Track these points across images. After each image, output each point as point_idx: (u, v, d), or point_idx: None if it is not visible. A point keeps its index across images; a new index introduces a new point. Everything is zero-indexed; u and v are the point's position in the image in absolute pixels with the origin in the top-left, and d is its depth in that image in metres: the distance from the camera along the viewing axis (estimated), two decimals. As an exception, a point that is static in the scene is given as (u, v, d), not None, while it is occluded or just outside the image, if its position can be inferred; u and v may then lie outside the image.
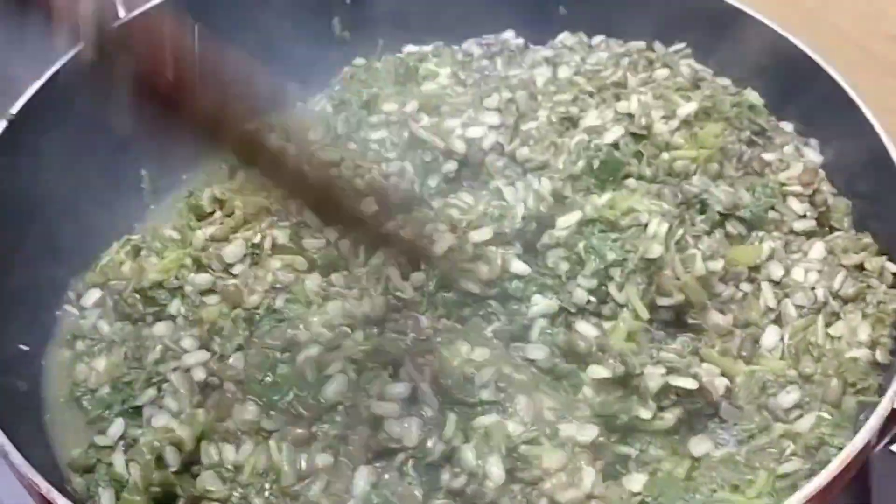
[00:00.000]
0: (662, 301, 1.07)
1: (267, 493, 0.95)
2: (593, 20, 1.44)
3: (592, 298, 1.07)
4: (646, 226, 1.09)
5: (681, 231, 1.10)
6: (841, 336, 1.09)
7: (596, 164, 1.18)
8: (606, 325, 1.06)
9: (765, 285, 1.13)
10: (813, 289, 1.12)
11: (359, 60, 1.43)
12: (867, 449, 0.96)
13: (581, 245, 1.09)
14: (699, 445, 1.01)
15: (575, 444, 0.97)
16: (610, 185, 1.18)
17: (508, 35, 1.47)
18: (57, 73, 1.18)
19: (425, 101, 1.29)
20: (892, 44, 1.33)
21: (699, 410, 1.03)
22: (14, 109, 1.16)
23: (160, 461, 0.95)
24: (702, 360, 1.06)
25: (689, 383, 0.99)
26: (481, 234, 1.11)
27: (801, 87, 1.27)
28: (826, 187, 1.23)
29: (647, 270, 1.07)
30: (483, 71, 1.40)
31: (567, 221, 1.12)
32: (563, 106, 1.27)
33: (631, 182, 1.18)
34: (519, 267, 1.10)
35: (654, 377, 0.99)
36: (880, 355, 1.08)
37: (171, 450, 0.95)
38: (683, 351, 1.05)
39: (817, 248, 1.16)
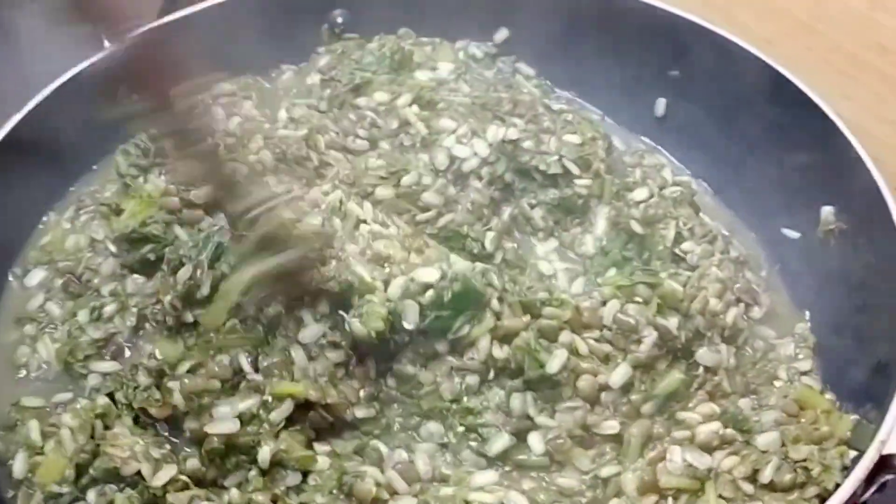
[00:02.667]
0: None
1: None
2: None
3: None
4: None
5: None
6: None
7: None
8: None
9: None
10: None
11: (351, 35, 1.33)
12: (854, 498, 0.89)
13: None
14: None
15: None
16: None
17: (502, 35, 1.36)
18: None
19: (420, 95, 1.21)
20: (885, 54, 1.25)
21: None
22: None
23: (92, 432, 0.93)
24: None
25: None
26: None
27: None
28: None
29: None
30: (496, 73, 1.31)
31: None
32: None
33: None
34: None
35: None
36: None
37: (98, 423, 0.94)
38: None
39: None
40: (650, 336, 0.99)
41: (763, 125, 1.21)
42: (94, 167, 1.24)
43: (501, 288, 1.00)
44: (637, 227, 1.13)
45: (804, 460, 0.94)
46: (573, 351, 0.98)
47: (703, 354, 1.03)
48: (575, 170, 1.17)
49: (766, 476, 0.94)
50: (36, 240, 1.16)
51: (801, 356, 1.09)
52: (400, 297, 0.96)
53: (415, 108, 1.20)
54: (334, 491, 0.90)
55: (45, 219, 1.19)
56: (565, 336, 0.99)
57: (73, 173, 1.23)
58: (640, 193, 1.17)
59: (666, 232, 1.12)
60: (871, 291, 1.06)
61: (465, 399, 0.98)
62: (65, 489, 0.90)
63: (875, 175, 1.06)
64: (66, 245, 1.14)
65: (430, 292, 0.96)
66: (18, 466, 0.93)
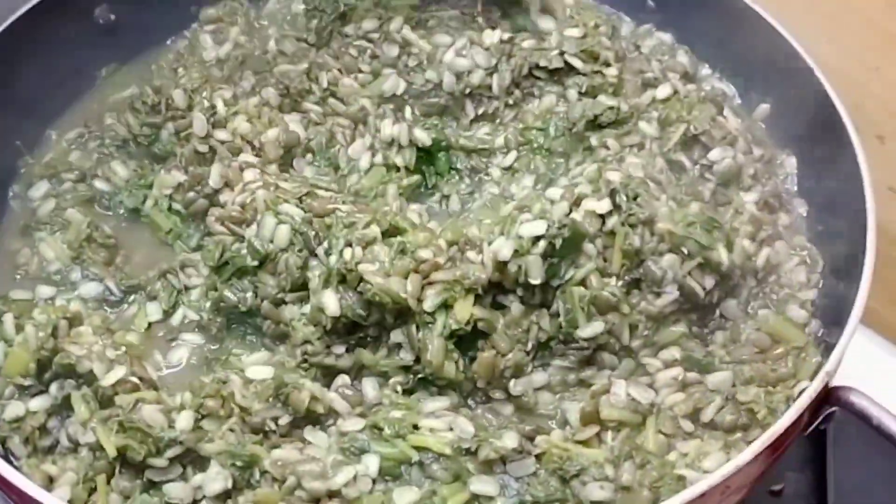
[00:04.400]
0: None
1: None
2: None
3: None
4: None
5: None
6: (686, 454, 0.90)
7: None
8: None
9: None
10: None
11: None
12: (799, 425, 0.86)
13: None
14: (481, 485, 0.86)
15: None
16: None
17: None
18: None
19: (409, 16, 1.18)
20: None
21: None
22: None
23: (54, 330, 0.94)
24: None
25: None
26: None
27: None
28: None
29: None
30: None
31: None
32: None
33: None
34: None
35: None
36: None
37: (63, 323, 0.94)
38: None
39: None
40: (671, 294, 0.94)
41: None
42: (97, 82, 1.23)
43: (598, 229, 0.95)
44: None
45: (750, 402, 0.91)
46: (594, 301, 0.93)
47: (730, 308, 0.99)
48: (579, 63, 1.13)
49: (706, 415, 0.92)
50: (38, 157, 1.16)
51: (810, 283, 1.02)
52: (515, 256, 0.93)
53: (406, 29, 1.17)
54: (271, 399, 0.91)
55: (45, 136, 1.18)
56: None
57: (74, 90, 1.22)
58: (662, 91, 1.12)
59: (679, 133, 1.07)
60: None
61: None
62: (28, 382, 0.92)
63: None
64: (70, 158, 1.14)
65: (541, 243, 0.93)
66: (-1, 357, 0.95)
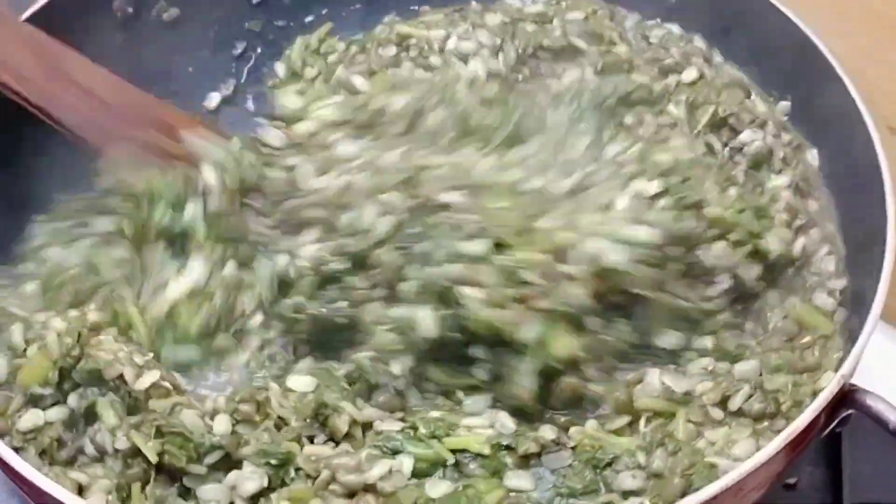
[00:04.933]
0: None
1: None
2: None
3: None
4: None
5: None
6: (715, 442, 0.89)
7: None
8: None
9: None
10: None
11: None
12: (815, 426, 0.86)
13: None
14: (517, 480, 0.86)
15: None
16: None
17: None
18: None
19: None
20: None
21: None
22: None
23: (79, 337, 0.91)
24: None
25: None
26: None
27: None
28: None
29: None
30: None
31: None
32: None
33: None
34: None
35: None
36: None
37: (85, 331, 0.91)
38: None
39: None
40: (721, 284, 0.94)
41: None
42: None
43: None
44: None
45: (777, 391, 0.91)
46: None
47: (772, 297, 0.99)
48: (583, 44, 1.13)
49: (735, 403, 0.91)
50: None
51: (838, 272, 1.02)
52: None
53: (399, 24, 1.17)
54: (308, 419, 0.89)
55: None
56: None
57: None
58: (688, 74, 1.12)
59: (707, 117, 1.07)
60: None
61: None
62: (47, 391, 0.88)
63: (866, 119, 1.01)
64: None
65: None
66: (1, 368, 0.90)
